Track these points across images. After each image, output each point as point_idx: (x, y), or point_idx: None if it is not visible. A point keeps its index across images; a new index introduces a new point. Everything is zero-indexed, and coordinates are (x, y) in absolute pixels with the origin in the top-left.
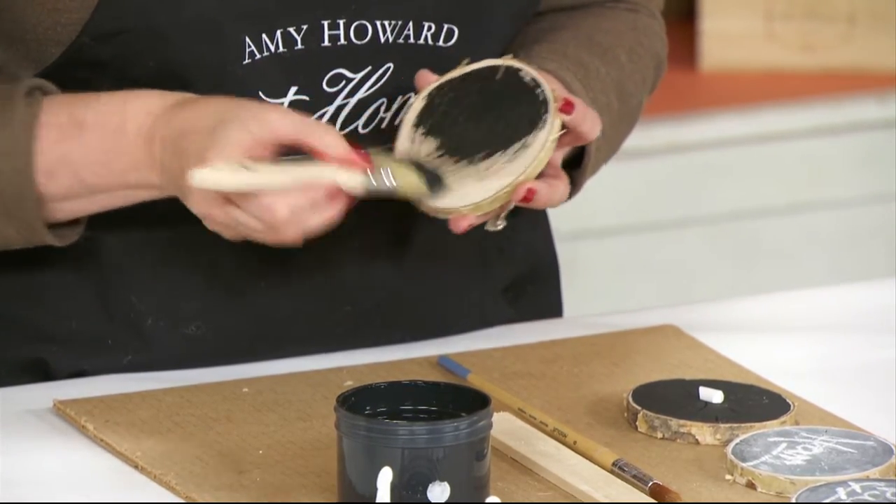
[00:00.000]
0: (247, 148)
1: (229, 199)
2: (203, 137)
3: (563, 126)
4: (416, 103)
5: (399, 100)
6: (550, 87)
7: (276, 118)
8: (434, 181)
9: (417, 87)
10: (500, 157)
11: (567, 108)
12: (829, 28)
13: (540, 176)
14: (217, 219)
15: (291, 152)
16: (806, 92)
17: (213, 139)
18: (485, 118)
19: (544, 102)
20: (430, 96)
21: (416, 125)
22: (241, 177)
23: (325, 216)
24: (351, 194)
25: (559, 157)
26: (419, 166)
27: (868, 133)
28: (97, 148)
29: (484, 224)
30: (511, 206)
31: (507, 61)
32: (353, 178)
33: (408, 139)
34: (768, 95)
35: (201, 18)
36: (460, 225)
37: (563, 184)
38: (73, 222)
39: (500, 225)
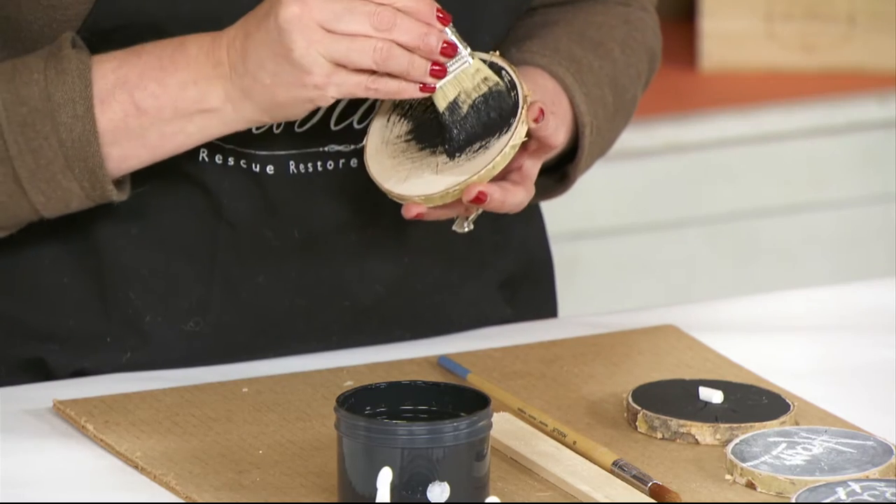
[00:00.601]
0: None
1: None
2: (264, 9)
3: (529, 134)
4: None
5: None
6: (525, 92)
7: None
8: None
9: None
10: (462, 154)
11: (537, 116)
12: (829, 28)
13: (503, 179)
14: (315, 18)
15: None
16: (806, 92)
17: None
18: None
19: (515, 106)
20: None
21: (397, 104)
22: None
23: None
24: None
25: (531, 165)
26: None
27: (868, 133)
28: (154, 66)
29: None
30: (477, 210)
31: (492, 57)
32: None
33: (384, 117)
34: (768, 95)
35: (199, 13)
36: (410, 212)
37: (522, 191)
38: (124, 180)
39: (467, 227)
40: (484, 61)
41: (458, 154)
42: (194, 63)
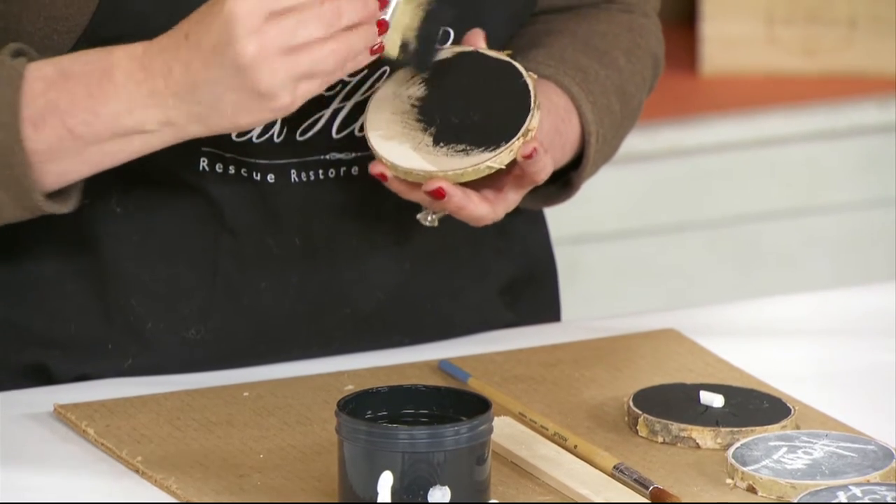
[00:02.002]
0: None
1: (274, 14)
2: (202, 13)
3: (513, 164)
4: (443, 53)
5: None
6: (532, 126)
7: None
8: (418, 52)
9: (463, 41)
10: (444, 146)
11: (530, 153)
12: (830, 32)
13: (475, 188)
14: (274, 47)
15: None
16: (807, 96)
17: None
18: (471, 98)
19: (514, 132)
20: (458, 55)
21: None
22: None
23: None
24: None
25: (512, 192)
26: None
27: (869, 137)
28: (83, 94)
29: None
30: (440, 207)
31: (530, 77)
32: None
33: (406, 75)
34: (769, 99)
35: None
36: (375, 168)
37: (487, 207)
38: (68, 192)
39: (430, 221)
40: (520, 75)
41: (441, 144)
42: (124, 92)
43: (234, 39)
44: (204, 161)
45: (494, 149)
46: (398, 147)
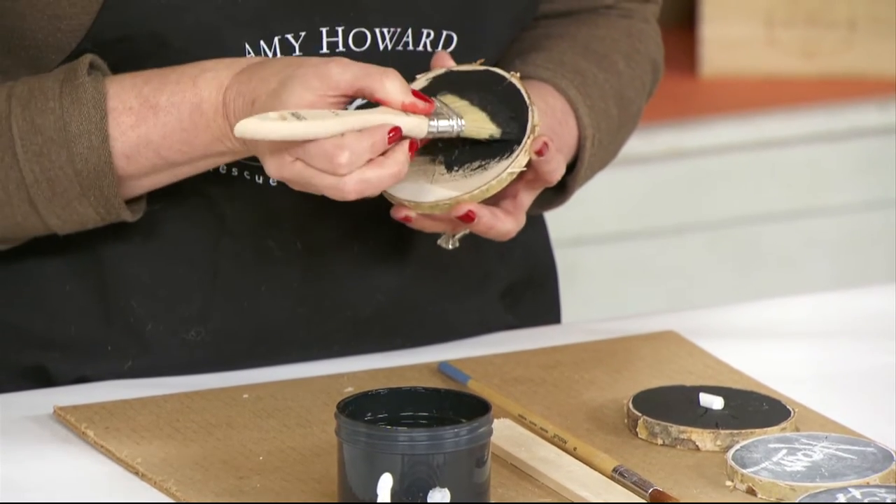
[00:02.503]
0: (310, 104)
1: (295, 154)
2: (268, 100)
3: (529, 164)
4: (418, 83)
5: None
6: (535, 122)
7: (336, 70)
8: (504, 122)
9: (431, 66)
10: (459, 168)
11: (541, 149)
12: (829, 34)
13: (495, 205)
14: (290, 178)
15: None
16: (806, 98)
17: (279, 101)
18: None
19: (522, 132)
20: (434, 80)
21: None
22: (288, 125)
23: (387, 167)
24: (413, 138)
25: (525, 196)
26: (484, 108)
27: (869, 139)
28: (176, 128)
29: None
30: (465, 229)
31: (511, 77)
32: (415, 121)
33: None
34: (769, 101)
35: (202, 25)
36: (399, 213)
37: (512, 220)
38: (139, 199)
39: (452, 245)
40: (503, 78)
41: (455, 168)
42: (214, 125)
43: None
44: None
45: (510, 154)
46: (413, 185)
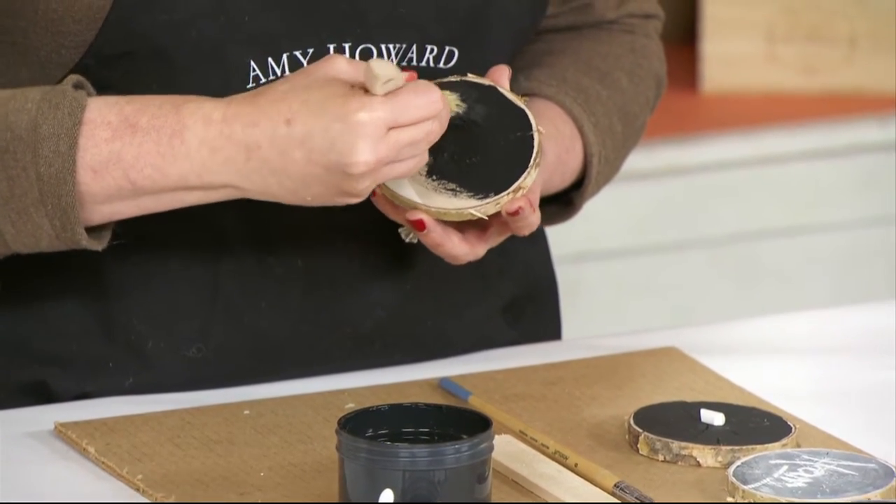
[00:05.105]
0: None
1: (394, 127)
2: (321, 112)
3: (500, 213)
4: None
5: None
6: (525, 184)
7: (341, 61)
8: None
9: (488, 77)
10: (437, 179)
11: (516, 210)
12: (830, 50)
13: (458, 227)
14: (384, 161)
15: None
16: (807, 114)
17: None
18: (476, 138)
19: (505, 186)
20: (443, 84)
21: None
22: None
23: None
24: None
25: (494, 237)
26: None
27: (869, 155)
28: (152, 151)
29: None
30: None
31: (532, 118)
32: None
33: None
34: (769, 117)
35: (205, 41)
36: (376, 199)
37: (466, 248)
38: (102, 228)
39: (410, 238)
40: (513, 105)
41: (434, 176)
42: (197, 157)
43: (355, 152)
44: None
45: (483, 198)
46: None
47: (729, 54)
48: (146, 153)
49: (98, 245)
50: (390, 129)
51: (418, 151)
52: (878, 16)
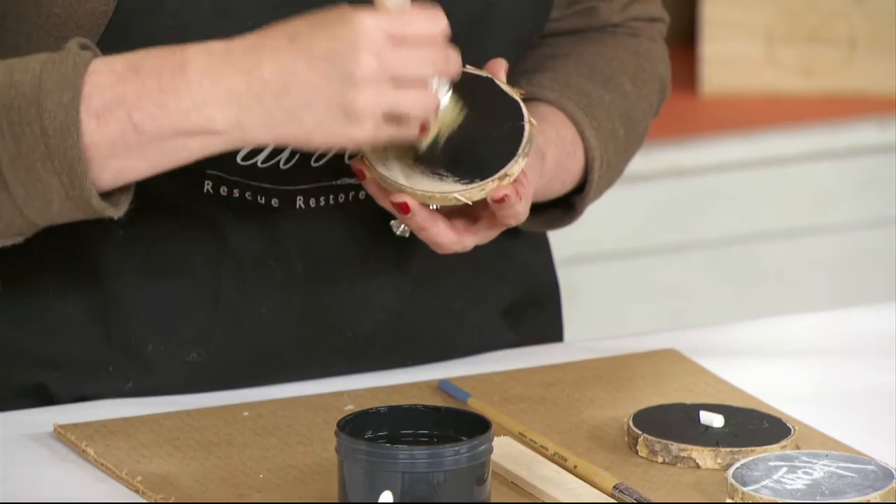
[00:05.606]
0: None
1: (395, 38)
2: (326, 23)
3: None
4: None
5: None
6: (512, 172)
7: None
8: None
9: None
10: (424, 163)
11: (502, 198)
12: (829, 52)
13: (448, 214)
14: (388, 71)
15: None
16: (806, 116)
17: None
18: (467, 126)
19: (492, 173)
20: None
21: None
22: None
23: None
24: None
25: (485, 228)
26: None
27: (868, 157)
28: (154, 87)
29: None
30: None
31: (525, 110)
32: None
33: None
34: (769, 120)
35: (221, 7)
36: (354, 165)
37: (452, 237)
38: (120, 196)
39: (401, 231)
40: (507, 96)
41: (422, 162)
42: (197, 88)
43: (357, 50)
44: (208, 184)
45: (468, 183)
46: (383, 151)
47: (728, 56)
48: (148, 90)
49: (115, 211)
50: (392, 36)
51: (423, 74)
52: (878, 18)
